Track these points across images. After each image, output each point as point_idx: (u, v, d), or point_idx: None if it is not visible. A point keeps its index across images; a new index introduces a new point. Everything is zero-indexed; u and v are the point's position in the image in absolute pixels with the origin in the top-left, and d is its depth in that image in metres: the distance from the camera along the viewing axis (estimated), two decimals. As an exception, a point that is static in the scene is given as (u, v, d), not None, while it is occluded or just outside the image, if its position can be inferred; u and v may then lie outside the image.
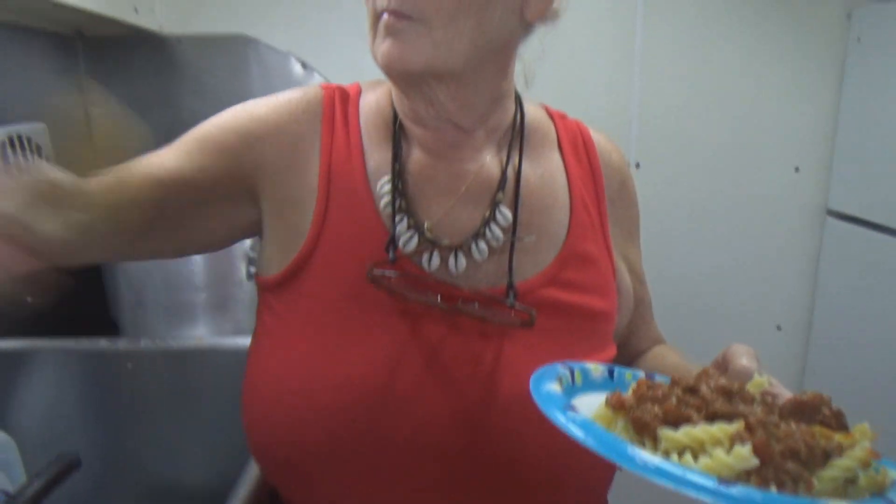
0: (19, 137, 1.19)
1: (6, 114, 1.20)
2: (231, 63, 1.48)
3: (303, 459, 0.59)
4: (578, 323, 0.64)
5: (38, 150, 1.25)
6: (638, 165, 1.61)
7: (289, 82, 1.48)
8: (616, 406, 0.47)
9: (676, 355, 0.75)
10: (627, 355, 0.77)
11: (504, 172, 0.65)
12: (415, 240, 0.61)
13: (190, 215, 0.62)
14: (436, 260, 0.62)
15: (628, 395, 0.48)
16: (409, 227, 0.61)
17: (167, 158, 0.61)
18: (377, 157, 0.63)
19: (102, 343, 1.08)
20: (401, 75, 0.60)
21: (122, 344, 1.08)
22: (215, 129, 0.64)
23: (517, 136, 0.67)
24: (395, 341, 0.59)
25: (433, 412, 0.58)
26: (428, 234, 0.61)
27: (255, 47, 1.46)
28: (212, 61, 1.48)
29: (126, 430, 1.08)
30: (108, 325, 1.23)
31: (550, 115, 0.73)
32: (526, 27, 0.62)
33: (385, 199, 0.62)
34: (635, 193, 0.76)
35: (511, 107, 0.67)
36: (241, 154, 0.62)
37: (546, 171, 0.68)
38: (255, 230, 0.66)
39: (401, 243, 0.61)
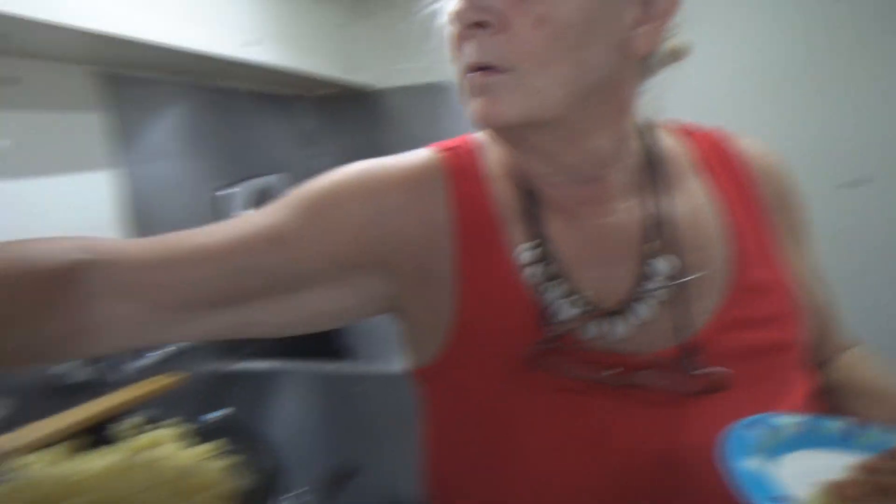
0: (265, 189, 1.39)
1: (254, 169, 1.42)
2: (429, 109, 1.61)
3: None
4: (765, 363, 0.57)
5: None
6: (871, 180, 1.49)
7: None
8: (841, 497, 0.41)
9: (866, 366, 0.67)
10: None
11: (648, 218, 0.59)
12: (569, 309, 0.56)
13: (313, 280, 0.56)
14: (594, 328, 0.56)
15: (852, 480, 0.42)
16: (562, 296, 0.56)
17: (285, 217, 0.56)
18: (513, 223, 0.58)
19: (337, 366, 1.22)
20: (499, 131, 0.56)
21: (354, 367, 1.22)
22: (341, 190, 0.58)
23: (652, 174, 0.61)
24: (558, 426, 0.55)
25: (605, 500, 0.54)
26: (583, 301, 0.56)
27: (448, 93, 1.58)
28: (413, 109, 1.62)
29: (357, 444, 1.20)
30: (341, 351, 1.39)
31: (682, 133, 0.66)
32: (641, 64, 0.57)
33: (531, 269, 0.57)
34: (798, 195, 0.66)
35: (638, 143, 0.61)
36: (369, 220, 0.57)
37: (691, 202, 0.61)
38: (389, 306, 0.61)
39: (556, 314, 0.56)
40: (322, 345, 1.35)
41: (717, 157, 0.64)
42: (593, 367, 0.54)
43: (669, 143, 0.64)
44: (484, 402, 0.56)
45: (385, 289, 0.59)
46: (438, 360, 0.58)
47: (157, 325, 0.52)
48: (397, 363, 1.27)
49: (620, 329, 0.56)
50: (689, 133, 0.66)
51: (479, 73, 0.52)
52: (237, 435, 0.69)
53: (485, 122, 0.53)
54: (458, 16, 0.52)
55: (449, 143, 0.63)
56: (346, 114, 1.65)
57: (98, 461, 0.60)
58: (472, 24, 0.51)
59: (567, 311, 0.56)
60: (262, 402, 1.24)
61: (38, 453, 0.63)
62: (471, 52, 0.52)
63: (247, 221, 0.56)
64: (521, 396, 0.55)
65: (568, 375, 0.54)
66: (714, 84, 1.49)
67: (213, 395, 1.18)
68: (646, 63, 0.57)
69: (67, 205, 1.02)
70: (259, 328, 0.57)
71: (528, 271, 0.57)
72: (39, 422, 0.69)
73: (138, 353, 0.98)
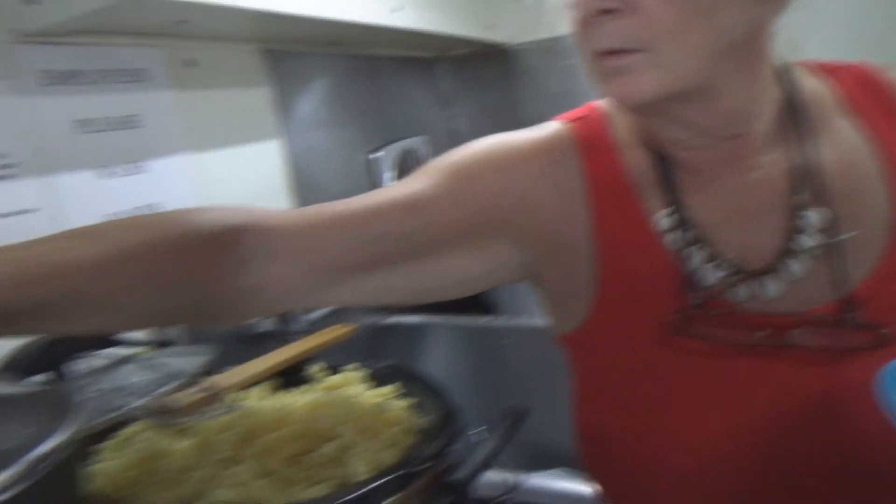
0: (408, 151, 1.46)
1: (399, 132, 1.48)
2: (565, 63, 1.59)
3: None
4: None
5: (419, 161, 1.51)
6: None
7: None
8: None
9: None
10: None
11: (794, 169, 0.56)
12: (715, 272, 0.55)
13: (447, 246, 0.58)
14: (744, 290, 0.54)
15: None
16: (705, 260, 0.55)
17: (421, 186, 0.58)
18: (647, 190, 0.58)
19: (484, 320, 1.27)
20: (638, 109, 0.55)
21: (500, 321, 1.26)
22: (476, 161, 0.60)
23: (795, 120, 0.57)
24: (706, 389, 0.54)
25: (755, 471, 0.53)
26: (728, 264, 0.55)
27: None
28: (549, 64, 1.60)
29: (504, 396, 1.25)
30: (485, 306, 1.44)
31: (822, 71, 0.61)
32: (772, 6, 0.53)
33: (671, 235, 0.56)
34: None
35: (776, 89, 0.57)
36: (505, 189, 0.59)
37: (841, 146, 0.57)
38: (525, 274, 0.62)
39: (700, 279, 0.55)
40: (469, 299, 1.40)
41: (865, 93, 0.59)
42: (743, 330, 0.53)
43: (811, 84, 0.60)
44: (629, 369, 0.57)
45: (520, 257, 0.60)
46: (581, 327, 0.59)
47: (307, 288, 0.56)
48: (541, 316, 1.30)
49: (772, 288, 0.54)
50: (830, 71, 0.61)
51: (610, 56, 0.50)
52: (409, 379, 0.75)
53: (624, 103, 0.53)
54: (582, 4, 0.51)
55: (576, 112, 0.63)
56: (482, 72, 1.67)
57: (299, 398, 0.68)
58: (598, 12, 0.50)
59: (712, 275, 0.54)
60: (414, 352, 1.32)
61: (246, 391, 0.72)
62: (600, 39, 0.50)
63: (388, 190, 0.59)
64: (668, 363, 0.55)
65: (716, 340, 0.53)
66: (851, 14, 1.35)
67: (371, 346, 1.27)
68: (778, 2, 0.54)
69: (243, 174, 1.12)
70: (399, 294, 0.60)
71: (667, 238, 0.56)
72: (240, 365, 0.78)
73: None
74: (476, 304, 1.41)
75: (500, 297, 1.39)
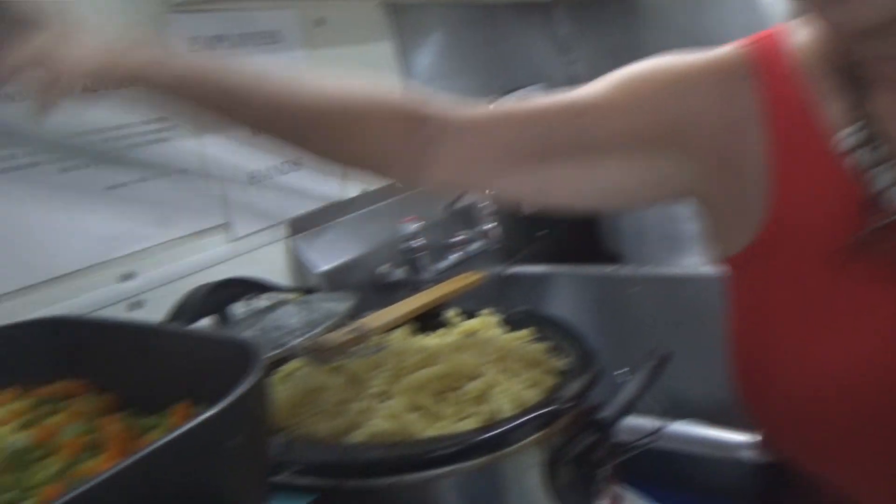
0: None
1: (516, 80, 1.46)
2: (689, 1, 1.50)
3: (808, 441, 0.59)
4: None
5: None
6: None
7: (751, 9, 1.42)
8: None
9: None
10: None
11: None
12: None
13: (608, 151, 0.60)
14: None
15: None
16: (894, 181, 0.53)
17: (593, 91, 0.60)
18: (831, 107, 0.55)
19: (609, 269, 1.26)
20: (865, 32, 0.51)
21: (625, 270, 1.24)
22: (649, 74, 0.60)
23: None
24: (883, 315, 0.53)
25: None
26: None
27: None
28: (674, 1, 1.51)
29: (631, 345, 1.24)
30: (606, 255, 1.42)
31: None
32: None
33: (857, 153, 0.54)
34: None
35: None
36: (675, 101, 0.59)
37: None
38: (686, 191, 0.62)
39: (888, 199, 0.52)
40: (594, 247, 1.39)
41: None
42: None
43: None
44: (800, 293, 0.56)
45: (686, 173, 0.60)
46: (748, 248, 0.58)
47: (482, 168, 0.62)
48: (668, 265, 1.27)
49: None
50: None
51: None
52: (544, 323, 0.76)
53: (848, 28, 0.50)
54: None
55: (751, 37, 0.61)
56: (602, 14, 1.61)
57: (439, 340, 0.71)
58: None
59: None
60: (540, 302, 1.32)
61: (388, 333, 0.76)
62: None
63: (560, 94, 0.62)
64: (844, 286, 0.54)
65: None
66: None
67: (498, 295, 1.29)
68: None
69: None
70: (561, 193, 0.63)
71: (852, 157, 0.53)
72: (380, 311, 0.82)
73: (440, 256, 1.11)
74: (601, 252, 1.39)
75: (626, 246, 1.37)
